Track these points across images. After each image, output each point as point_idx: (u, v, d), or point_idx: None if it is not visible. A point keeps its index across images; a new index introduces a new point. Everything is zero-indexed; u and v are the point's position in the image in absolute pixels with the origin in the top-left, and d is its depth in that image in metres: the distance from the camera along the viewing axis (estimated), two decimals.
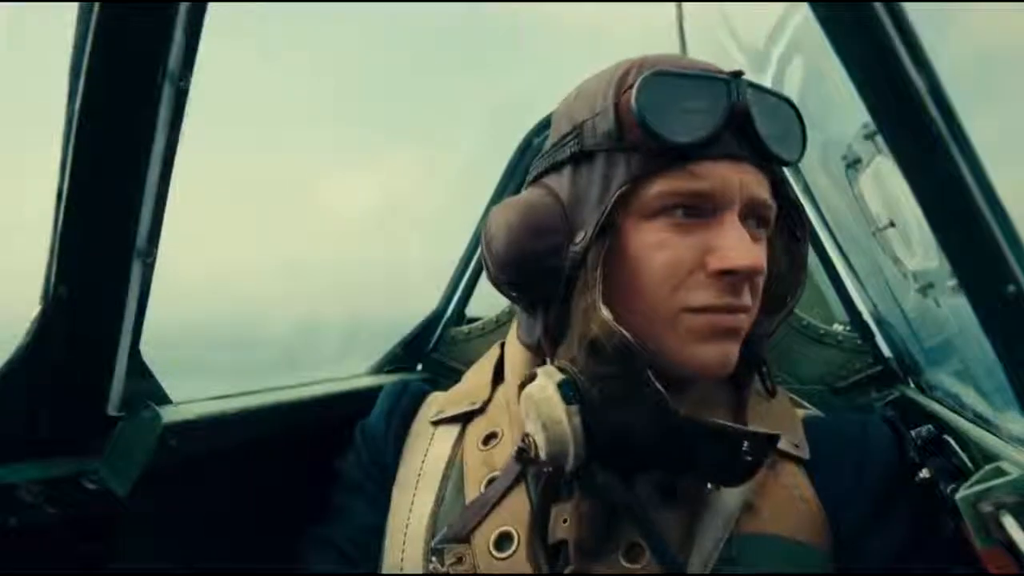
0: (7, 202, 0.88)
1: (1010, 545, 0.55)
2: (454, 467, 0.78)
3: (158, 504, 0.72)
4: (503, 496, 0.72)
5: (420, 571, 0.72)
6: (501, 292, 0.73)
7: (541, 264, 0.68)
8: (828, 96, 0.84)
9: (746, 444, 0.62)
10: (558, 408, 0.63)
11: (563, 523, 0.68)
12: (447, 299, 1.35)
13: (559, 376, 0.65)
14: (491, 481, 0.74)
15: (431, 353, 1.33)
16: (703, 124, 0.64)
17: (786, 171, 1.14)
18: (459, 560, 0.70)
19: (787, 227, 0.75)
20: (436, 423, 0.83)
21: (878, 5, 0.48)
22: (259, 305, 1.56)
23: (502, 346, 0.85)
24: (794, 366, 1.17)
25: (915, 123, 0.51)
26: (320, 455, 0.86)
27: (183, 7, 0.60)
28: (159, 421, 0.69)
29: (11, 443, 0.65)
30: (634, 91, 0.64)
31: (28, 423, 0.67)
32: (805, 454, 0.74)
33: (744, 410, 0.74)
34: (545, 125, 1.31)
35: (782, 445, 0.73)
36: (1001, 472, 0.58)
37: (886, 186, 0.81)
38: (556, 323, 0.70)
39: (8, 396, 0.65)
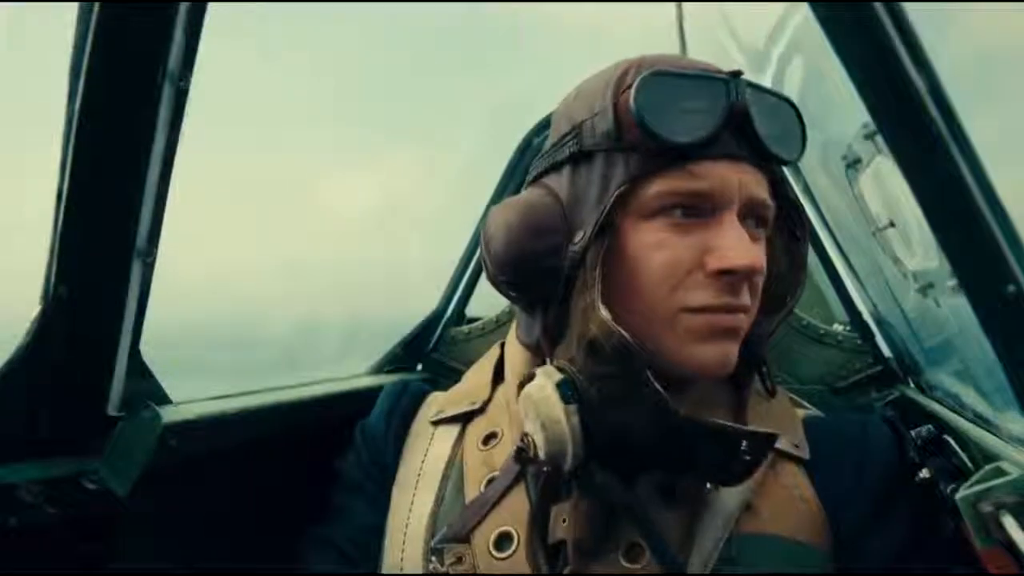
0: (7, 202, 0.88)
1: (1010, 545, 0.55)
2: (454, 467, 0.78)
3: (158, 504, 0.72)
4: (503, 496, 0.72)
5: (420, 571, 0.72)
6: (500, 292, 0.73)
7: (540, 264, 0.68)
8: (828, 96, 0.84)
9: (745, 444, 0.62)
10: (556, 408, 0.63)
11: (563, 523, 0.68)
12: (447, 299, 1.35)
13: (558, 376, 0.65)
14: (491, 481, 0.74)
15: (431, 353, 1.33)
16: (702, 124, 0.64)
17: (786, 171, 1.14)
18: (459, 560, 0.70)
19: (787, 227, 0.75)
20: (436, 423, 0.83)
21: (878, 5, 0.48)
22: (259, 305, 1.56)
23: (502, 346, 0.85)
24: (794, 366, 1.17)
25: (915, 123, 0.51)
26: (320, 455, 0.86)
27: (183, 7, 0.60)
28: (159, 421, 0.69)
29: (11, 443, 0.65)
30: (632, 91, 0.64)
31: (28, 423, 0.67)
32: (805, 454, 0.74)
33: (744, 410, 0.74)
34: (545, 125, 1.31)
35: (782, 445, 0.73)
36: (1001, 472, 0.58)
37: (886, 186, 0.81)
38: (555, 323, 0.70)
39: (8, 396, 0.65)
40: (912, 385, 1.11)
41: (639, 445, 0.64)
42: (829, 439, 0.75)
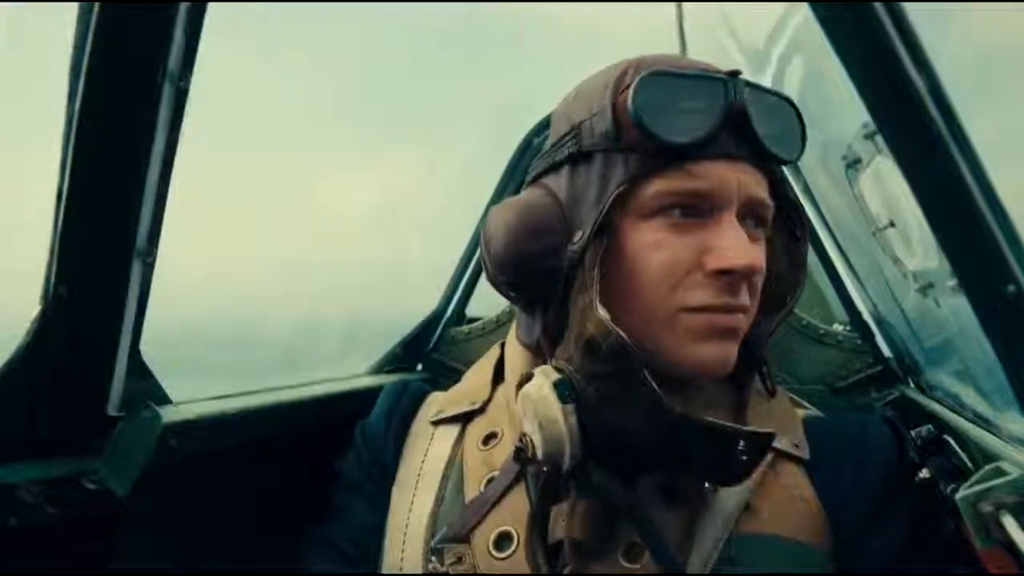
0: (7, 202, 0.87)
1: (1010, 545, 0.55)
2: (454, 467, 0.78)
3: (158, 504, 0.72)
4: (502, 496, 0.72)
5: (420, 571, 0.72)
6: (500, 292, 0.73)
7: (539, 264, 0.68)
8: (828, 96, 0.84)
9: (743, 443, 0.62)
10: (554, 407, 0.63)
11: (563, 523, 0.68)
12: (447, 299, 1.35)
13: (555, 376, 0.65)
14: (491, 481, 0.74)
15: (431, 353, 1.33)
16: (700, 124, 0.64)
17: (786, 171, 1.14)
18: (459, 560, 0.70)
19: (787, 227, 0.75)
20: (436, 423, 0.83)
21: (878, 5, 0.48)
22: (259, 305, 1.56)
23: (502, 346, 0.85)
24: (794, 366, 1.17)
25: (915, 123, 0.51)
26: (320, 455, 0.86)
27: (183, 7, 0.60)
28: (159, 421, 0.69)
29: (11, 443, 0.65)
30: (631, 91, 0.64)
31: (28, 423, 0.67)
32: (805, 454, 0.74)
33: (744, 410, 0.74)
34: (545, 125, 1.31)
35: (782, 445, 0.73)
36: (1001, 472, 0.58)
37: (886, 186, 0.81)
38: (555, 323, 0.70)
39: (8, 396, 0.65)
40: (912, 385, 1.11)
41: (637, 444, 0.64)
42: (829, 439, 0.75)
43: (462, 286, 1.36)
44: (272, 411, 0.88)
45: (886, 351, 1.16)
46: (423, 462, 0.80)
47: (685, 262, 0.66)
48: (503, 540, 0.70)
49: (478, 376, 0.86)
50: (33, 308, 0.66)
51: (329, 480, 0.84)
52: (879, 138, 0.73)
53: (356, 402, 0.91)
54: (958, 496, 0.58)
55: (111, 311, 0.67)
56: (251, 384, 0.92)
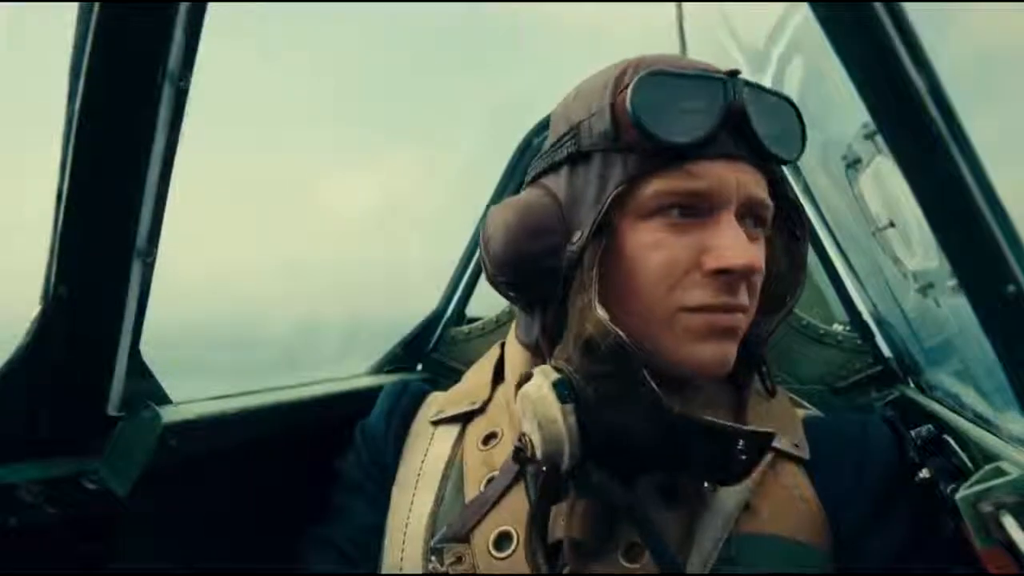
0: (7, 202, 0.87)
1: (1010, 545, 0.55)
2: (454, 467, 0.78)
3: (158, 504, 0.72)
4: (502, 496, 0.72)
5: (420, 571, 0.72)
6: (499, 292, 0.73)
7: (538, 264, 0.68)
8: (828, 96, 0.84)
9: (742, 442, 0.62)
10: (553, 407, 0.63)
11: (562, 522, 0.68)
12: (447, 299, 1.35)
13: (554, 375, 0.65)
14: (491, 481, 0.74)
15: (431, 353, 1.33)
16: (700, 124, 0.64)
17: (786, 171, 1.14)
18: (458, 560, 0.70)
19: (786, 227, 0.75)
20: (436, 423, 0.83)
21: (878, 5, 0.48)
22: (259, 305, 1.56)
23: (502, 346, 0.85)
24: (794, 366, 1.17)
25: (915, 123, 0.51)
26: (320, 455, 0.86)
27: (183, 7, 0.60)
28: (159, 421, 0.69)
29: (11, 443, 0.65)
30: (629, 91, 0.64)
31: (28, 423, 0.67)
32: (805, 454, 0.74)
33: (744, 410, 0.74)
34: (545, 125, 1.31)
35: (782, 445, 0.73)
36: (1001, 472, 0.58)
37: (886, 186, 0.81)
38: (554, 323, 0.70)
39: (8, 396, 0.65)
40: (912, 385, 1.11)
41: (636, 444, 0.64)
42: (829, 439, 0.75)
43: (462, 286, 1.36)
44: (272, 411, 0.88)
45: (886, 351, 1.16)
46: (423, 462, 0.80)
47: (684, 262, 0.66)
48: (503, 540, 0.70)
49: (478, 376, 0.86)
50: (33, 308, 0.66)
51: (329, 480, 0.84)
52: (879, 138, 0.73)
53: (356, 402, 0.91)
54: (958, 496, 0.58)
55: (111, 311, 0.67)
56: (251, 384, 0.92)
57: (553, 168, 0.72)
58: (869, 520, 0.70)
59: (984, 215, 0.52)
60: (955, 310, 0.73)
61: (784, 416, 0.77)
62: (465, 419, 0.82)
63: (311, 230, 1.72)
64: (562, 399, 0.63)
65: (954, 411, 0.83)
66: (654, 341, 0.67)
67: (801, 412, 0.81)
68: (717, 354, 0.67)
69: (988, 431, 0.71)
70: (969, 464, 0.69)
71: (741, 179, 0.66)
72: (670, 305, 0.66)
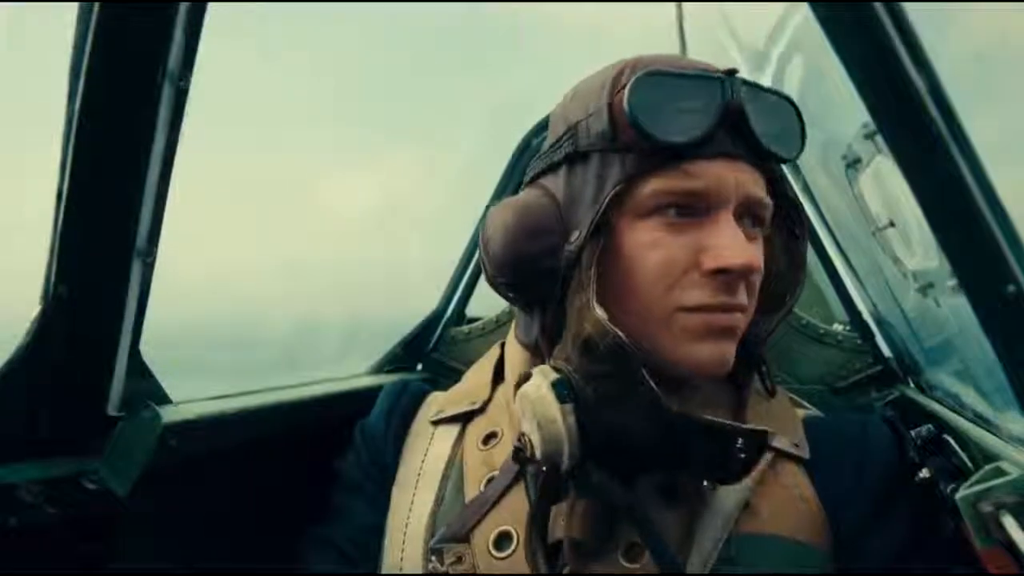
0: (7, 202, 0.88)
1: (1010, 545, 0.55)
2: (454, 467, 0.78)
3: (158, 504, 0.72)
4: (502, 495, 0.72)
5: (420, 571, 0.72)
6: (498, 293, 0.74)
7: (537, 265, 0.68)
8: (828, 96, 0.84)
9: (740, 441, 0.62)
10: (552, 407, 0.63)
11: (562, 522, 0.68)
12: (447, 299, 1.35)
13: (553, 375, 0.65)
14: (491, 481, 0.74)
15: (431, 353, 1.33)
16: (697, 124, 0.64)
17: (786, 170, 1.14)
18: (459, 560, 0.70)
19: (786, 226, 0.75)
20: (436, 423, 0.83)
21: (878, 5, 0.48)
22: (259, 305, 1.56)
23: (502, 346, 0.85)
24: (794, 366, 1.17)
25: (915, 123, 0.51)
26: (320, 455, 0.86)
27: (183, 7, 0.60)
28: (159, 421, 0.69)
29: (11, 443, 0.65)
30: (626, 91, 0.64)
31: (28, 423, 0.67)
32: (805, 454, 0.74)
33: (744, 410, 0.74)
34: (544, 125, 1.30)
35: (782, 445, 0.73)
36: (1001, 472, 0.58)
37: (886, 186, 0.81)
38: (552, 323, 0.70)
39: (8, 396, 0.65)
40: (912, 385, 1.11)
41: (635, 444, 0.64)
42: (829, 439, 0.75)
43: (462, 286, 1.36)
44: (272, 411, 0.87)
45: (886, 351, 1.16)
46: (423, 462, 0.80)
47: (682, 261, 0.66)
48: (503, 540, 0.70)
49: (478, 376, 0.86)
50: (33, 308, 0.66)
51: (329, 480, 0.84)
52: (879, 138, 0.73)
53: (356, 402, 0.91)
54: (958, 496, 0.58)
55: (111, 311, 0.67)
56: (251, 384, 0.92)
57: (551, 168, 0.72)
58: (869, 520, 0.70)
59: (984, 215, 0.52)
60: (955, 310, 0.73)
61: (784, 416, 0.77)
62: (465, 419, 0.82)
63: (311, 230, 1.72)
64: (561, 399, 0.63)
65: (954, 411, 0.83)
66: (652, 341, 0.67)
67: (801, 412, 0.81)
68: (715, 354, 0.67)
69: (988, 431, 0.71)
70: (969, 464, 0.69)
71: (739, 178, 0.66)
72: (668, 305, 0.66)
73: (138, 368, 0.74)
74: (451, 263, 1.36)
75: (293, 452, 0.89)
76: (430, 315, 1.32)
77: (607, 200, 0.66)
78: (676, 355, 0.67)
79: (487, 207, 0.75)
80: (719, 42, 1.30)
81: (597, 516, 0.68)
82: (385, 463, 0.82)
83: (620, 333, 0.61)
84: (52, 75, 0.61)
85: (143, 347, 0.74)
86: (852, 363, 1.16)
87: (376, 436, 0.84)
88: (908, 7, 0.49)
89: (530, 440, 0.65)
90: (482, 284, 1.34)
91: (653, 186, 0.66)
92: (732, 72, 0.66)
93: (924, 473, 0.70)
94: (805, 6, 0.69)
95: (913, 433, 0.77)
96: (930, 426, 0.78)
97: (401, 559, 0.74)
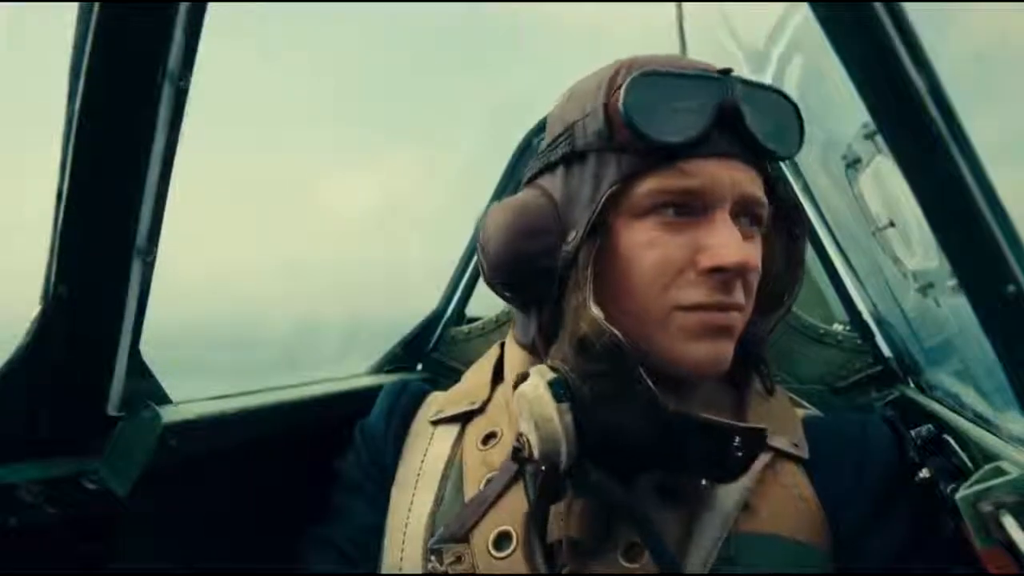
0: (7, 202, 0.88)
1: (1010, 545, 0.55)
2: (453, 467, 0.78)
3: (158, 504, 0.72)
4: (501, 495, 0.72)
5: (419, 571, 0.72)
6: (496, 293, 0.74)
7: (534, 265, 0.68)
8: (828, 96, 0.84)
9: (737, 439, 0.62)
10: (549, 406, 0.63)
11: (562, 522, 0.68)
12: (447, 299, 1.35)
13: (550, 375, 0.65)
14: (490, 481, 0.74)
15: (431, 353, 1.33)
16: (692, 123, 0.64)
17: (786, 170, 1.14)
18: (458, 559, 0.70)
19: (785, 225, 0.75)
20: (435, 423, 0.83)
21: (878, 5, 0.48)
22: (259, 305, 1.56)
23: (502, 346, 0.86)
24: (794, 366, 1.17)
25: (915, 123, 0.51)
26: (320, 455, 0.86)
27: (183, 7, 0.60)
28: (159, 421, 0.69)
29: (11, 443, 0.65)
30: (622, 92, 0.64)
31: (28, 423, 0.67)
32: (805, 453, 0.74)
33: (744, 410, 0.74)
34: (544, 125, 1.31)
35: (782, 444, 0.73)
36: (1001, 472, 0.58)
37: (886, 186, 0.81)
38: (550, 322, 0.70)
39: (8, 396, 0.65)
40: (912, 385, 1.11)
41: (632, 442, 0.64)
42: (829, 439, 0.75)
43: (462, 286, 1.36)
44: (272, 411, 0.87)
45: (886, 351, 1.16)
46: (422, 462, 0.80)
47: (678, 261, 0.66)
48: (502, 540, 0.70)
49: (478, 376, 0.86)
50: (33, 308, 0.66)
51: (329, 480, 0.84)
52: (879, 138, 0.73)
53: (356, 402, 0.91)
54: (958, 496, 0.58)
55: (111, 311, 0.67)
56: (251, 384, 0.92)
57: (549, 168, 0.73)
58: (869, 520, 0.70)
59: (984, 215, 0.52)
60: (955, 310, 0.73)
61: (784, 416, 0.77)
62: (465, 419, 0.82)
63: (311, 230, 1.72)
64: (558, 398, 0.63)
65: (954, 411, 0.83)
66: (649, 340, 0.67)
67: (801, 412, 0.81)
68: (712, 353, 0.67)
69: (988, 431, 0.71)
70: (969, 464, 0.69)
71: (735, 177, 0.66)
72: (665, 304, 0.66)
73: (138, 368, 0.74)
74: (451, 263, 1.36)
75: (293, 452, 0.89)
76: (430, 315, 1.32)
77: (603, 200, 0.66)
78: (673, 354, 0.67)
79: (487, 207, 0.75)
80: (719, 42, 1.30)
81: (596, 516, 0.68)
82: (385, 463, 0.82)
83: (616, 332, 0.61)
84: (52, 75, 0.61)
85: (143, 347, 0.74)
86: (852, 363, 1.16)
87: (376, 436, 0.84)
88: (908, 7, 0.49)
89: (528, 439, 0.65)
90: (482, 284, 1.33)
91: (649, 185, 0.66)
92: (728, 71, 0.66)
93: (924, 473, 0.70)
94: (805, 6, 0.69)
95: (913, 433, 0.77)
96: (930, 426, 0.78)
97: (401, 559, 0.74)
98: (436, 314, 1.34)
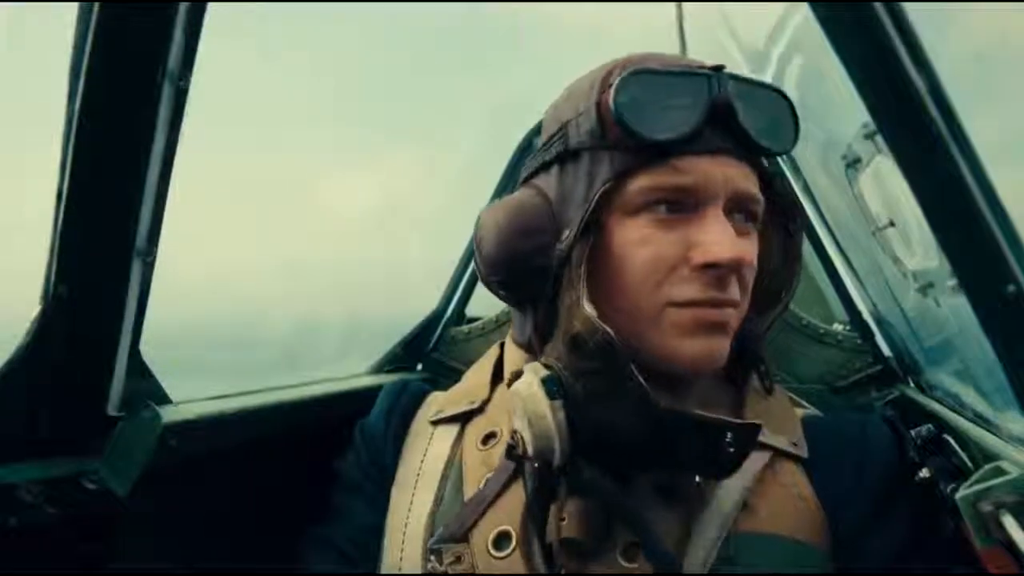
0: (7, 202, 0.88)
1: (1010, 545, 0.55)
2: (453, 467, 0.78)
3: (158, 504, 0.72)
4: (500, 494, 0.72)
5: (419, 571, 0.72)
6: (492, 292, 0.74)
7: (529, 263, 0.68)
8: (828, 96, 0.84)
9: (729, 435, 0.62)
10: (542, 403, 0.63)
11: (561, 522, 0.68)
12: (447, 299, 1.35)
13: (544, 372, 0.65)
14: (489, 480, 0.74)
15: (431, 353, 1.33)
16: (684, 120, 0.64)
17: (786, 169, 1.14)
18: (458, 559, 0.70)
19: (781, 221, 0.75)
20: (435, 423, 0.83)
21: (878, 5, 0.48)
22: (259, 305, 1.56)
23: (502, 346, 0.86)
24: (794, 365, 1.17)
25: (915, 123, 0.51)
26: (320, 455, 0.86)
27: (183, 7, 0.60)
28: (159, 421, 0.69)
29: (11, 443, 0.65)
30: (612, 90, 0.65)
31: (28, 423, 0.67)
32: (804, 453, 0.74)
33: (742, 408, 0.74)
34: None
35: (781, 444, 0.73)
36: (1001, 471, 0.58)
37: (886, 186, 0.81)
38: (545, 321, 0.70)
39: (8, 396, 0.65)
40: (912, 385, 1.11)
41: (624, 439, 0.64)
42: (828, 438, 0.75)
43: (462, 286, 1.36)
44: (272, 411, 0.87)
45: (886, 351, 1.16)
46: (422, 462, 0.80)
47: (671, 257, 0.66)
48: (502, 539, 0.70)
49: (477, 376, 0.86)
50: (33, 308, 0.66)
51: (329, 480, 0.84)
52: (879, 138, 0.73)
53: (356, 402, 0.91)
54: (958, 496, 0.58)
55: (111, 311, 0.67)
56: (251, 384, 0.92)
57: (544, 168, 0.73)
58: (869, 520, 0.70)
59: (984, 215, 0.52)
60: (955, 310, 0.73)
61: (783, 415, 0.77)
62: (464, 419, 0.82)
63: (311, 230, 1.72)
64: (551, 395, 0.63)
65: (954, 411, 0.83)
66: (643, 337, 0.67)
67: (800, 411, 0.81)
68: (706, 349, 0.67)
69: (988, 431, 0.71)
70: (969, 464, 0.69)
71: (728, 173, 0.66)
72: (658, 301, 0.67)
73: (138, 368, 0.74)
74: (451, 263, 1.36)
75: (293, 452, 0.89)
76: (430, 315, 1.32)
77: (596, 198, 0.66)
78: (667, 351, 0.67)
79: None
80: (719, 42, 1.30)
81: (595, 516, 0.68)
82: (384, 463, 0.82)
83: (608, 330, 0.61)
84: (52, 75, 0.61)
85: (143, 347, 0.74)
86: (852, 363, 1.16)
87: (376, 436, 0.84)
88: (908, 7, 0.49)
89: (522, 437, 0.65)
90: (482, 284, 1.34)
91: (642, 183, 0.66)
92: (719, 68, 0.66)
93: (924, 473, 0.70)
94: (805, 6, 0.69)
95: (913, 433, 0.77)
96: (930, 426, 0.78)
97: (400, 559, 0.74)
98: (436, 314, 1.34)
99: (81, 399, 0.69)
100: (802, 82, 0.97)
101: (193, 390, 0.82)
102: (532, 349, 0.74)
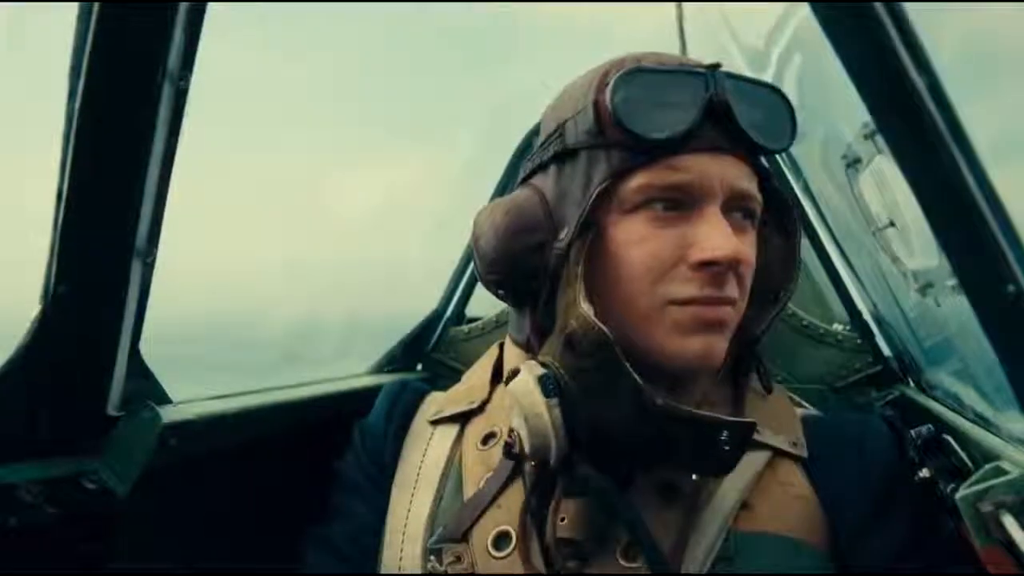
0: (7, 202, 0.88)
1: (1010, 545, 0.55)
2: (453, 467, 0.78)
3: (158, 504, 0.72)
4: (499, 494, 0.72)
5: (419, 571, 0.72)
6: (490, 291, 0.74)
7: (527, 262, 0.69)
8: (828, 96, 0.84)
9: (724, 433, 0.62)
10: (538, 401, 0.63)
11: (561, 521, 0.68)
12: (447, 299, 1.35)
13: (540, 370, 0.65)
14: (488, 480, 0.74)
15: (431, 353, 1.33)
16: (680, 118, 0.64)
17: (786, 170, 1.14)
18: (457, 559, 0.70)
19: (780, 220, 0.75)
20: (435, 423, 0.83)
21: (878, 5, 0.48)
22: (259, 305, 1.56)
23: (501, 346, 0.86)
24: (794, 365, 1.17)
25: (915, 123, 0.51)
26: (320, 455, 0.86)
27: (183, 7, 0.60)
28: (159, 421, 0.69)
29: (11, 443, 0.65)
30: (609, 89, 0.65)
31: (28, 423, 0.67)
32: (804, 452, 0.74)
33: (741, 408, 0.74)
34: None
35: (781, 443, 0.73)
36: (1001, 471, 0.58)
37: (886, 186, 0.81)
38: (542, 320, 0.70)
39: (8, 396, 0.65)
40: (912, 385, 1.11)
41: (620, 437, 0.64)
42: (828, 438, 0.75)
43: (462, 286, 1.36)
44: (272, 411, 0.88)
45: (886, 351, 1.16)
46: (422, 462, 0.80)
47: (669, 256, 0.66)
48: (502, 539, 0.70)
49: (477, 376, 0.86)
50: (33, 308, 0.66)
51: (329, 480, 0.84)
52: (879, 138, 0.73)
53: (356, 402, 0.91)
54: (958, 495, 0.58)
55: (111, 311, 0.67)
56: (251, 384, 0.92)
57: (542, 167, 0.73)
58: (869, 519, 0.70)
59: (984, 215, 0.52)
60: (955, 310, 0.73)
61: (783, 414, 0.77)
62: (464, 419, 0.82)
63: (311, 230, 1.72)
64: (547, 393, 0.63)
65: (954, 411, 0.83)
66: (641, 336, 0.67)
67: (800, 411, 0.81)
68: (704, 347, 0.67)
69: (988, 431, 0.71)
70: (969, 464, 0.69)
71: (725, 171, 0.66)
72: (656, 299, 0.67)
73: (138, 368, 0.74)
74: (451, 263, 1.36)
75: (293, 452, 0.89)
76: (430, 315, 1.32)
77: (593, 196, 0.66)
78: (665, 349, 0.67)
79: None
80: (719, 42, 1.30)
81: (595, 515, 0.68)
82: (384, 463, 0.82)
83: (604, 328, 0.61)
84: (52, 75, 0.61)
85: (143, 347, 0.74)
86: (852, 363, 1.16)
87: (375, 436, 0.84)
88: (908, 7, 0.49)
89: (519, 435, 0.65)
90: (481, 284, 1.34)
91: (639, 181, 0.66)
92: (716, 66, 0.66)
93: (924, 473, 0.70)
94: (805, 6, 0.69)
95: (913, 433, 0.77)
96: (930, 426, 0.78)
97: (400, 559, 0.74)
98: (436, 314, 1.34)
99: (81, 399, 0.69)
100: (802, 82, 0.98)
101: (192, 390, 0.82)
102: (530, 348, 0.74)
